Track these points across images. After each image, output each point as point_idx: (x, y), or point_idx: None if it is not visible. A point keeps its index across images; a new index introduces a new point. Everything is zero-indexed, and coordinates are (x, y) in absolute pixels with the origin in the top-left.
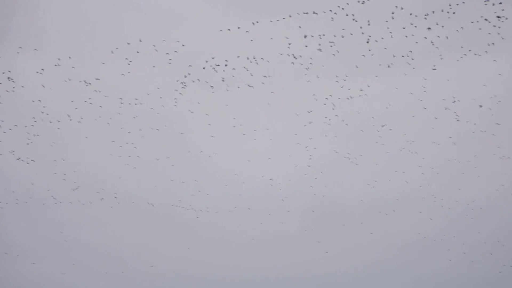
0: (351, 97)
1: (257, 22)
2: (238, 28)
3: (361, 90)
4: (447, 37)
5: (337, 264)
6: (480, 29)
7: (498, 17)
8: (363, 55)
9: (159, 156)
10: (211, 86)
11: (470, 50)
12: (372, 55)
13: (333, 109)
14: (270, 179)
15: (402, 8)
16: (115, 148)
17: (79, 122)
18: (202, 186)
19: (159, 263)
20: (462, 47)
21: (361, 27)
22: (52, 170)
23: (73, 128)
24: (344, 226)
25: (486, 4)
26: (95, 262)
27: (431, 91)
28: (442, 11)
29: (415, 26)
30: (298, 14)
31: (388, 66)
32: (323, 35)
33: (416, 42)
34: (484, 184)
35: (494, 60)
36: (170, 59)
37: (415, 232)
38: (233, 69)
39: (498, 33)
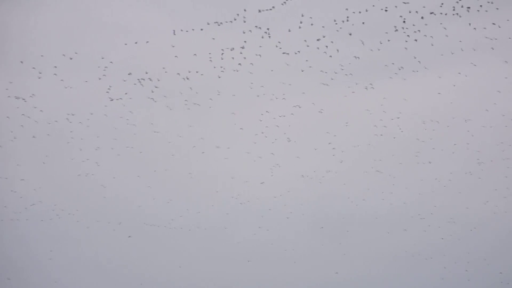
0: (307, 115)
1: (175, 32)
2: (147, 42)
3: (320, 109)
4: (379, 50)
5: (320, 284)
6: (408, 42)
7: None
8: (302, 70)
9: (128, 175)
10: (168, 106)
11: (402, 68)
12: (317, 70)
13: (277, 126)
14: (246, 201)
15: (310, 17)
16: (76, 166)
17: (15, 140)
18: (189, 206)
19: (148, 283)
20: (393, 63)
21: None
22: (10, 188)
23: (25, 145)
24: (323, 246)
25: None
26: (79, 280)
27: (389, 109)
28: (342, 21)
29: (324, 37)
30: (208, 24)
31: (328, 85)
32: (243, 47)
33: (330, 56)
34: (464, 202)
35: (439, 77)
36: (104, 75)
37: (403, 250)
38: (157, 81)
39: (432, 44)
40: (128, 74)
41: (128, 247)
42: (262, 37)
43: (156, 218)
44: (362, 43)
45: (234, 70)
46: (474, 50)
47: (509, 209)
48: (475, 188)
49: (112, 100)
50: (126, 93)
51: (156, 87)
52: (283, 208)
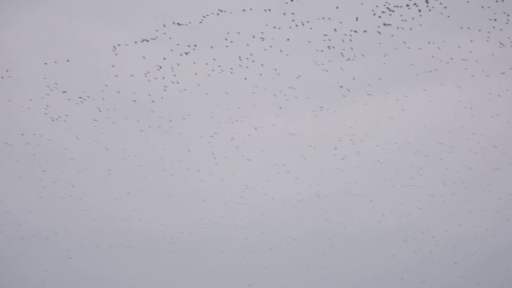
0: (280, 137)
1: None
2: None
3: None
4: (327, 71)
5: None
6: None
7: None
8: (253, 93)
9: (107, 196)
10: (142, 130)
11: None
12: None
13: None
14: (234, 221)
15: (238, 33)
16: (49, 188)
17: None
18: (181, 228)
19: None
20: (344, 86)
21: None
22: None
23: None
24: (308, 269)
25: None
26: None
27: (358, 133)
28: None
29: (251, 54)
30: (135, 42)
31: (281, 108)
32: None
33: (277, 73)
34: (450, 225)
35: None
36: (47, 94)
37: (392, 273)
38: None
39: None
40: (63, 92)
41: (118, 269)
42: (182, 55)
43: (149, 240)
44: (316, 63)
45: (191, 92)
46: (431, 72)
47: (497, 232)
48: (458, 211)
49: (53, 120)
50: (67, 114)
51: (114, 109)
52: (264, 231)
